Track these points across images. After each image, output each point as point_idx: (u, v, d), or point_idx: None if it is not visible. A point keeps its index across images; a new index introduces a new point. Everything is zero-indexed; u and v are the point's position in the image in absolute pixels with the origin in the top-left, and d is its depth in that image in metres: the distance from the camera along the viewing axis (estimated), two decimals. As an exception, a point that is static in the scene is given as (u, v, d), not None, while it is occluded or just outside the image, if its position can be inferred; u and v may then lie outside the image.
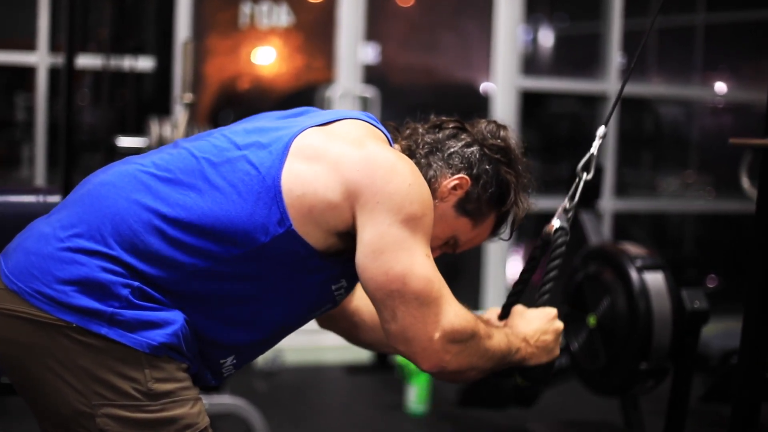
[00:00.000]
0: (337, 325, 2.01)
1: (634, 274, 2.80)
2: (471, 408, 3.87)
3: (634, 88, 5.53)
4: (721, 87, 6.27)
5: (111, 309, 1.52)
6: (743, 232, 5.89)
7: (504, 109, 5.10)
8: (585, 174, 1.96)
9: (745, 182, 3.34)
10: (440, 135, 1.79)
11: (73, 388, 1.54)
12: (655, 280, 2.79)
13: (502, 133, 1.80)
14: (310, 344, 4.67)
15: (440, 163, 1.75)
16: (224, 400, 3.34)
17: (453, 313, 1.63)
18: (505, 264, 5.23)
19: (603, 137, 2.00)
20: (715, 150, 6.25)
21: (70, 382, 1.54)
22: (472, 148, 1.77)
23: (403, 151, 1.77)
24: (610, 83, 5.32)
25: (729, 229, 6.24)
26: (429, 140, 1.78)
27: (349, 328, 2.01)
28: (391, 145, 1.73)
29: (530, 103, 5.32)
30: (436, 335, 1.61)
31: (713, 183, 6.06)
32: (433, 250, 1.75)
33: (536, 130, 5.88)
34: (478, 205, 1.77)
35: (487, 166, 1.76)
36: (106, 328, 1.52)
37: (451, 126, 1.81)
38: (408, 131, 1.81)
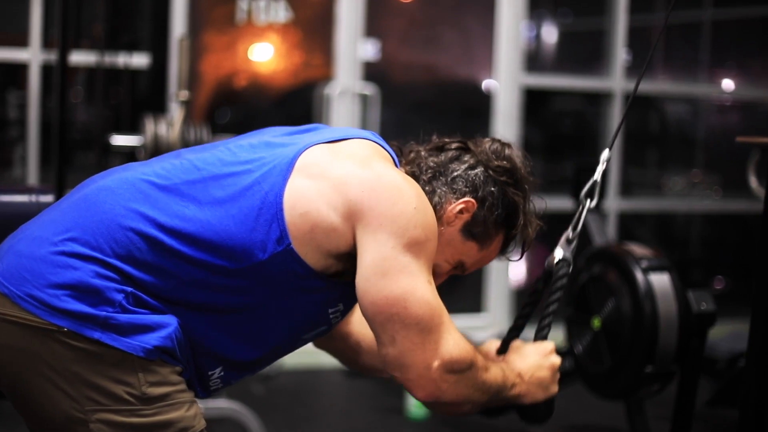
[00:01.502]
0: (332, 344, 2.01)
1: (639, 276, 2.80)
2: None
3: (639, 86, 5.52)
4: (728, 84, 6.27)
5: (104, 313, 1.52)
6: (751, 233, 5.89)
7: (507, 106, 5.10)
8: (589, 201, 1.93)
9: (753, 181, 3.34)
10: (443, 158, 1.78)
11: (66, 394, 1.53)
12: (660, 281, 2.79)
13: (506, 152, 1.79)
14: (309, 347, 4.67)
15: (444, 189, 1.75)
16: (221, 404, 3.35)
17: (453, 342, 1.63)
18: (507, 266, 5.23)
19: (608, 160, 1.96)
20: (722, 148, 6.25)
21: (62, 387, 1.53)
22: (476, 170, 1.76)
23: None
24: (614, 80, 5.32)
25: (736, 230, 6.24)
26: (432, 164, 1.77)
27: (344, 350, 2.01)
28: (396, 166, 1.73)
29: (533, 100, 5.31)
30: (435, 363, 1.61)
31: (720, 182, 6.06)
32: (441, 275, 1.78)
33: (539, 128, 5.87)
34: (484, 227, 1.76)
35: (493, 189, 1.76)
36: (99, 333, 1.52)
37: (453, 147, 1.80)
38: (411, 155, 1.80)
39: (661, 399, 2.98)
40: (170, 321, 1.57)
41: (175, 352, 1.58)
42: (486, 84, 5.31)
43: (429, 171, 1.76)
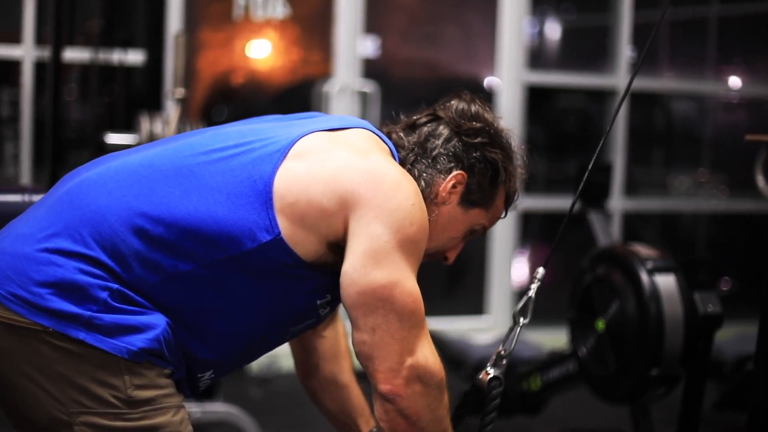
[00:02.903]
0: (294, 348, 2.00)
1: (644, 277, 2.80)
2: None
3: (644, 83, 5.53)
4: (735, 81, 6.26)
5: (89, 313, 1.51)
6: (758, 233, 5.89)
7: (509, 104, 5.09)
8: (522, 319, 1.90)
9: (760, 180, 3.33)
10: (418, 137, 1.77)
11: (51, 395, 1.53)
12: (666, 282, 2.79)
13: (473, 110, 1.78)
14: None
15: (430, 171, 1.74)
16: (217, 408, 3.34)
17: (429, 350, 1.63)
18: (510, 267, 5.23)
19: (541, 280, 1.91)
20: (729, 147, 6.24)
21: (47, 388, 1.52)
22: (452, 142, 1.76)
23: None
24: (619, 78, 5.32)
25: (743, 230, 6.24)
26: (410, 146, 1.76)
27: (301, 359, 2.00)
28: (395, 158, 1.73)
29: (536, 98, 5.31)
30: (408, 361, 1.61)
31: (727, 181, 6.06)
32: (454, 249, 1.80)
33: (543, 126, 5.87)
34: (482, 192, 1.77)
35: (475, 153, 1.75)
36: (84, 333, 1.51)
37: (424, 121, 1.79)
38: (393, 136, 1.79)
39: (667, 402, 2.97)
40: (158, 321, 1.55)
41: (163, 354, 1.56)
42: (488, 81, 5.31)
43: (410, 155, 1.76)
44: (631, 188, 5.65)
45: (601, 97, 5.57)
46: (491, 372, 1.89)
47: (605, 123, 5.49)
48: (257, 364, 4.40)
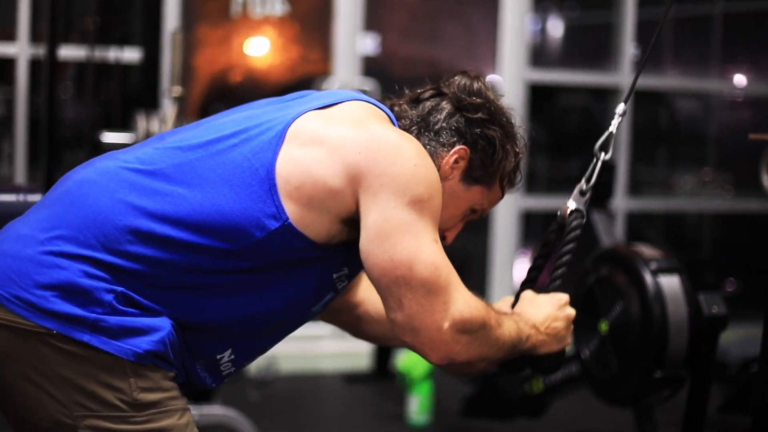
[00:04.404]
0: (341, 317, 2.01)
1: (648, 278, 2.80)
2: (476, 419, 3.87)
3: (648, 81, 5.53)
4: (740, 80, 6.27)
5: (94, 315, 1.51)
6: (763, 233, 5.89)
7: (511, 102, 5.09)
8: (603, 154, 1.96)
9: (765, 180, 3.34)
10: (421, 110, 1.78)
11: (54, 399, 1.53)
12: (670, 283, 2.79)
13: (475, 86, 1.79)
14: (306, 351, 4.67)
15: (433, 144, 1.76)
16: (215, 411, 3.35)
17: (462, 302, 1.63)
18: (511, 266, 5.24)
19: (623, 115, 1.99)
20: (734, 146, 6.25)
21: (50, 392, 1.53)
22: (455, 117, 1.77)
23: None
24: (622, 76, 5.32)
25: (748, 230, 6.24)
26: (414, 119, 1.78)
27: (353, 321, 2.01)
28: (394, 124, 1.74)
29: (539, 96, 5.31)
30: (445, 324, 1.60)
31: (732, 181, 6.06)
32: (454, 228, 1.80)
33: (545, 125, 5.88)
34: (484, 169, 1.77)
35: (477, 130, 1.76)
36: (89, 335, 1.51)
37: (428, 96, 1.80)
38: (395, 109, 1.80)
39: (671, 405, 2.98)
40: (163, 324, 1.56)
41: (168, 356, 1.57)
42: (489, 79, 5.31)
43: (414, 128, 1.77)
44: (635, 188, 5.65)
45: (603, 95, 5.57)
46: (572, 205, 1.94)
47: (608, 122, 5.48)
48: (255, 366, 4.40)
